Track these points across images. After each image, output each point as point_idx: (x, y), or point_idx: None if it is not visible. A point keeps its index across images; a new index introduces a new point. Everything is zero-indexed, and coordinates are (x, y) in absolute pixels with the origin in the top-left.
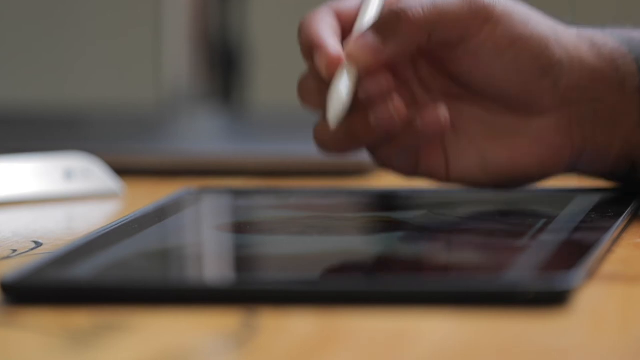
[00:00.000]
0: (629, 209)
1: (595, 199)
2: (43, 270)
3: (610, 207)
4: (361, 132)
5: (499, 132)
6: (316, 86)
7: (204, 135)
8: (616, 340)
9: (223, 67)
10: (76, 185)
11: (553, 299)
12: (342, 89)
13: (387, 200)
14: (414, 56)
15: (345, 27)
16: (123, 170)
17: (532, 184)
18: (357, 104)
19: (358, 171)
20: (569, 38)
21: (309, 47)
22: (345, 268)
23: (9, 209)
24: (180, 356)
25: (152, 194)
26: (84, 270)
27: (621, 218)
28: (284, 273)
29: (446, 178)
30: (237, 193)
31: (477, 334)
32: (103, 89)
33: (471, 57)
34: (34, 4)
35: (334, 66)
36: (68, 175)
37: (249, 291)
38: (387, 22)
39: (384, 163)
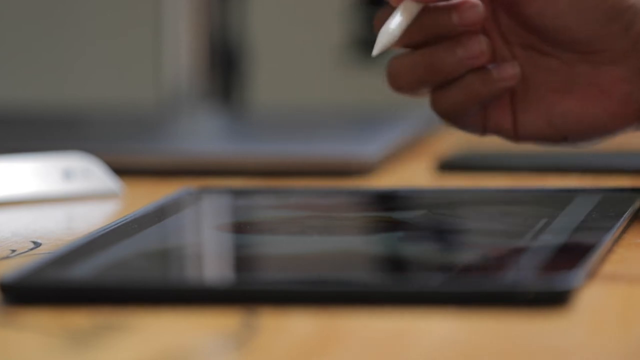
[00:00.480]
0: (629, 209)
1: (596, 198)
2: (42, 270)
3: (611, 207)
4: (442, 64)
5: (569, 83)
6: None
7: (204, 135)
8: (617, 341)
9: (223, 67)
10: (75, 185)
11: (553, 299)
12: (396, 19)
13: (387, 200)
14: (494, 8)
15: None
16: (122, 170)
17: (601, 138)
18: (441, 36)
19: (358, 171)
20: None
21: None
22: (345, 268)
23: (8, 209)
24: (180, 356)
25: (151, 194)
26: (84, 271)
27: (622, 218)
28: (284, 273)
29: (514, 135)
30: (237, 193)
31: (477, 335)
32: (103, 89)
33: None
34: (33, 4)
35: None
36: (67, 175)
37: (249, 291)
38: None
39: (453, 119)
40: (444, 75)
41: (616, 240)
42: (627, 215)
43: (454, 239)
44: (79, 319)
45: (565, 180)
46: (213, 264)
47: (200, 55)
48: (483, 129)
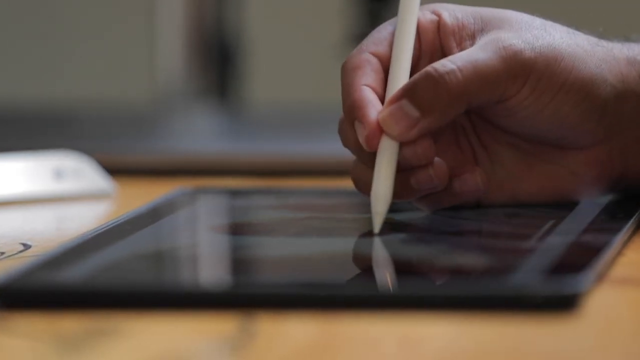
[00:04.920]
0: (639, 210)
1: (605, 199)
2: (32, 273)
3: (620, 208)
4: (401, 190)
5: (535, 161)
6: (357, 139)
7: (200, 133)
8: (627, 346)
9: (219, 63)
10: (67, 185)
11: (562, 303)
12: (383, 188)
13: None
14: None
15: (387, 71)
16: (115, 170)
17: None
18: (398, 164)
19: None
20: (618, 68)
21: (350, 110)
22: (345, 271)
23: None
24: None
25: (145, 195)
26: (75, 274)
27: (631, 220)
28: (282, 276)
29: (477, 205)
30: (234, 193)
31: (482, 339)
32: (95, 86)
33: (509, 114)
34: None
35: (374, 140)
36: (58, 174)
37: (246, 295)
38: (423, 91)
39: (430, 207)
40: (403, 198)
41: (625, 243)
42: (636, 216)
43: (458, 241)
44: (70, 323)
45: None
46: (209, 267)
47: (195, 51)
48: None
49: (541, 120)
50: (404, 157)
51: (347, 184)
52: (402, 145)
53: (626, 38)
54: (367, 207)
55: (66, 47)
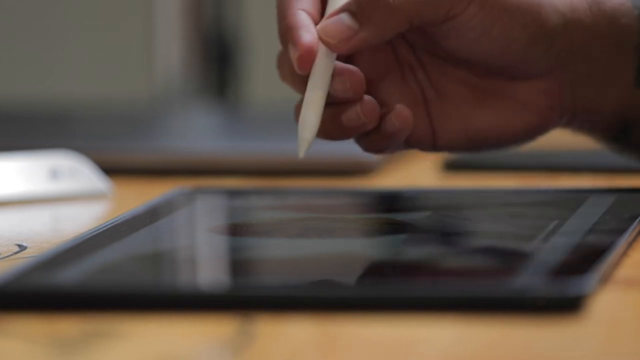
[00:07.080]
0: None
1: (610, 200)
2: (28, 274)
3: (625, 208)
4: (332, 128)
5: (485, 95)
6: (292, 67)
7: (198, 132)
8: (633, 348)
9: (218, 61)
10: (63, 185)
11: (566, 305)
12: (311, 113)
13: (390, 201)
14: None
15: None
16: (112, 170)
17: (521, 145)
18: (328, 97)
19: (359, 171)
20: None
21: (284, 33)
22: (346, 272)
23: None
24: None
25: (143, 195)
26: (72, 275)
27: (637, 220)
28: (282, 277)
29: (433, 147)
30: (233, 193)
31: (485, 342)
32: (92, 84)
33: (455, 34)
34: None
35: (307, 62)
36: (54, 174)
37: (245, 297)
38: (364, 5)
39: (372, 150)
40: (337, 137)
41: (631, 243)
42: None
43: (460, 242)
44: (67, 325)
45: (577, 180)
46: (207, 268)
47: (193, 50)
48: (401, 148)
49: (490, 42)
50: (334, 90)
51: (347, 183)
52: (333, 76)
53: None
54: (367, 208)
55: (63, 45)
